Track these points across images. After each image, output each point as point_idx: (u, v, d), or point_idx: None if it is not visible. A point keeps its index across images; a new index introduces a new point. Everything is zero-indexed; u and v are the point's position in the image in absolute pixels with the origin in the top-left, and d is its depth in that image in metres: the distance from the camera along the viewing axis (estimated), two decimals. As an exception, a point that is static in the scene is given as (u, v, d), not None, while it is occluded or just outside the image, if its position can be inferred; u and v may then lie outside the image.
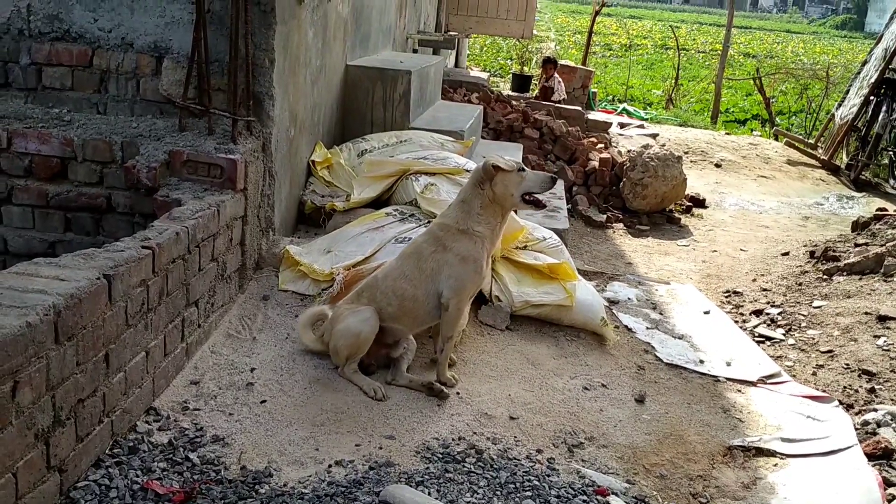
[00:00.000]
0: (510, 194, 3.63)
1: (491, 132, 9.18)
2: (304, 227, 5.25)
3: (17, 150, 4.26)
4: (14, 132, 4.24)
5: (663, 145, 10.01)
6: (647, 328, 4.97)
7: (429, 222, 4.41)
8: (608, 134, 10.74)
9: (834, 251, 6.57)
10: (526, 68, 15.05)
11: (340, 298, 3.96)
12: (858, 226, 7.44)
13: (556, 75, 11.89)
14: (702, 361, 4.62)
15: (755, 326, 5.47)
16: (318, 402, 3.50)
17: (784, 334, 5.29)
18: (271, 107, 4.42)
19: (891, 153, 11.15)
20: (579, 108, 11.10)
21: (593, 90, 13.99)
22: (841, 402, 4.29)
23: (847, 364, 4.70)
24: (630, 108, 15.48)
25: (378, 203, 5.12)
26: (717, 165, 11.12)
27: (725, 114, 17.36)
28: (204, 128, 4.27)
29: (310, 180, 5.38)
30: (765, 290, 6.18)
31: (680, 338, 4.94)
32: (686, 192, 9.06)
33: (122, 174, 4.14)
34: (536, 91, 12.33)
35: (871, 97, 11.64)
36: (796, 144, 12.52)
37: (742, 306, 5.89)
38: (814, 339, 5.12)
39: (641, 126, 12.55)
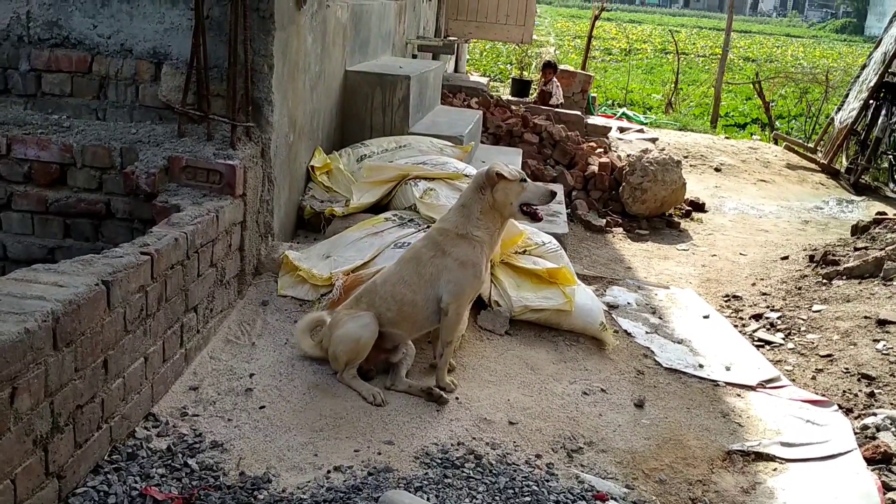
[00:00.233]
0: (509, 203, 3.66)
1: (490, 137, 9.18)
2: (303, 233, 5.26)
3: (16, 156, 4.26)
4: (13, 138, 4.25)
5: (663, 150, 10.01)
6: (647, 333, 4.97)
7: (428, 227, 4.41)
8: (608, 138, 10.75)
9: (833, 255, 6.57)
10: (525, 73, 15.06)
11: (339, 304, 3.96)
12: (858, 230, 7.44)
13: (554, 80, 11.89)
14: (701, 366, 4.62)
15: (755, 331, 5.47)
16: (317, 407, 3.50)
17: (783, 338, 5.29)
18: (270, 112, 4.43)
19: (890, 157, 11.15)
20: (579, 113, 11.10)
21: (593, 95, 13.99)
22: (840, 407, 4.29)
23: (846, 368, 4.69)
24: (630, 113, 15.49)
25: (377, 208, 5.13)
26: (717, 170, 11.12)
27: (725, 118, 17.36)
28: (203, 133, 4.28)
29: (309, 186, 5.39)
30: (764, 294, 6.18)
31: (679, 342, 4.94)
32: (686, 197, 9.06)
33: (122, 180, 4.15)
34: (535, 95, 12.33)
35: (871, 101, 11.64)
36: (796, 148, 12.52)
37: (741, 310, 5.89)
38: (813, 343, 5.12)
39: (641, 130, 12.55)
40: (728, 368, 4.64)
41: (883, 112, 11.40)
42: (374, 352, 3.70)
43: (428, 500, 2.97)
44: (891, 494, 3.49)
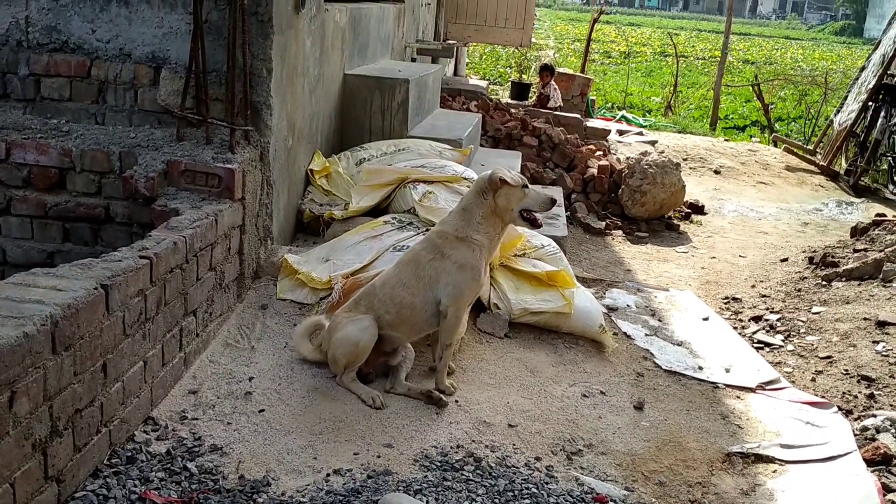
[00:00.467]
0: (511, 208, 3.67)
1: (490, 140, 9.19)
2: (302, 236, 5.26)
3: (15, 160, 4.27)
4: (13, 143, 4.26)
5: (662, 152, 10.01)
6: (646, 335, 4.97)
7: (427, 230, 4.42)
8: (607, 141, 10.75)
9: (833, 257, 6.57)
10: (525, 76, 15.07)
11: (339, 307, 3.96)
12: (857, 231, 7.44)
13: (552, 83, 11.89)
14: (701, 368, 4.62)
15: (754, 333, 5.46)
16: (317, 410, 3.50)
17: (783, 340, 5.29)
18: (269, 116, 4.44)
19: (889, 159, 11.14)
20: (578, 116, 11.09)
21: (592, 98, 13.99)
22: (840, 408, 4.28)
23: (846, 370, 4.69)
24: (629, 116, 15.48)
25: (376, 211, 5.13)
26: (716, 172, 11.12)
27: (724, 120, 17.36)
28: (202, 137, 4.28)
29: (308, 189, 5.39)
30: (764, 296, 6.18)
31: (679, 344, 4.94)
32: (685, 199, 9.06)
33: (121, 184, 4.15)
34: (534, 99, 12.33)
35: (870, 103, 11.64)
36: (795, 150, 12.52)
37: (741, 312, 5.89)
38: (813, 344, 5.11)
39: (640, 133, 12.55)
40: (727, 370, 4.64)
41: (882, 114, 11.40)
42: (373, 355, 3.70)
43: (427, 502, 2.97)
44: (891, 496, 3.49)
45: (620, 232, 8.21)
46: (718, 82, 16.67)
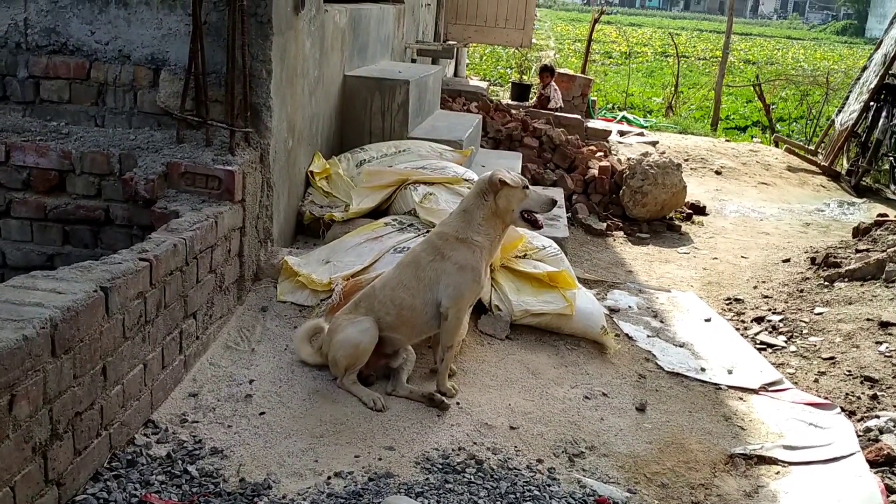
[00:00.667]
0: (511, 210, 3.67)
1: (490, 141, 9.18)
2: (302, 238, 5.25)
3: (15, 163, 4.26)
4: (12, 145, 4.25)
5: (663, 153, 10.00)
6: (648, 336, 4.96)
7: (427, 232, 4.41)
8: (608, 142, 10.74)
9: (835, 257, 6.56)
10: (525, 77, 15.04)
11: (339, 309, 3.95)
12: (859, 232, 7.43)
13: (553, 84, 11.88)
14: (703, 369, 4.61)
15: (756, 334, 5.45)
16: (318, 413, 3.49)
17: (786, 341, 5.27)
18: (269, 118, 4.43)
19: (891, 159, 11.12)
20: (579, 117, 11.09)
21: (593, 98, 13.97)
22: (843, 409, 4.27)
23: (849, 371, 4.68)
24: (630, 116, 15.47)
25: (377, 213, 5.12)
26: (718, 172, 11.11)
27: (725, 121, 17.34)
28: (202, 139, 4.28)
29: (308, 191, 5.38)
30: (766, 297, 6.17)
31: (681, 346, 4.93)
32: (686, 200, 9.04)
33: (120, 186, 4.14)
34: (534, 99, 12.32)
35: (871, 103, 11.62)
36: (797, 151, 12.51)
37: (743, 313, 5.88)
38: (815, 345, 5.10)
39: (641, 134, 12.54)
40: (730, 372, 4.62)
41: (883, 114, 11.37)
42: (373, 357, 3.69)
43: (429, 505, 2.96)
44: (894, 497, 3.47)
45: (622, 233, 8.19)
46: (719, 82, 16.66)
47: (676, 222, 8.67)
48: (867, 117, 11.67)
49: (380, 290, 3.73)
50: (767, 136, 15.18)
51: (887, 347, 4.83)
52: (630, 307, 5.45)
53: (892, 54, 11.60)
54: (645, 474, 3.46)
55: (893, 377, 4.50)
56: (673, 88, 18.54)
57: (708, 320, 5.48)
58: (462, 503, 3.01)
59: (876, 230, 7.18)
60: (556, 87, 11.93)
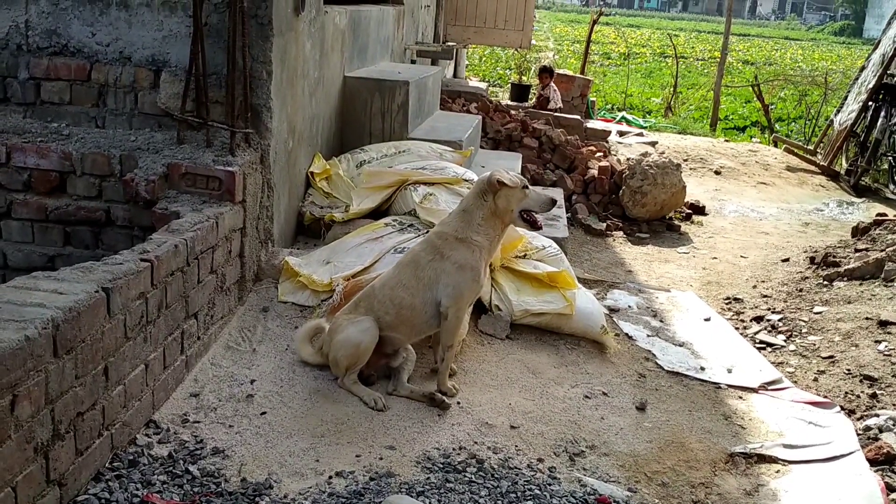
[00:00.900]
0: (511, 210, 3.67)
1: (490, 142, 9.19)
2: (303, 239, 5.26)
3: (16, 164, 4.27)
4: (13, 146, 4.26)
5: (662, 153, 10.02)
6: (648, 336, 4.96)
7: (427, 232, 4.41)
8: (607, 142, 10.75)
9: (834, 257, 6.56)
10: (524, 78, 15.05)
11: (339, 309, 3.96)
12: (858, 231, 7.43)
13: (552, 84, 11.89)
14: (703, 368, 4.62)
15: (756, 333, 5.46)
16: (319, 413, 3.49)
17: (785, 340, 5.28)
18: (269, 119, 4.44)
19: (890, 158, 11.13)
20: (578, 117, 11.10)
21: (592, 99, 13.99)
22: (842, 408, 4.28)
23: (848, 369, 4.69)
24: (629, 117, 15.48)
25: (377, 213, 5.13)
26: (717, 172, 11.12)
27: (724, 121, 17.36)
28: (202, 140, 4.28)
29: (308, 192, 5.39)
30: (765, 296, 6.18)
31: (681, 345, 4.93)
32: (686, 200, 9.05)
33: (121, 187, 4.15)
34: (534, 100, 12.33)
35: (870, 103, 11.63)
36: (796, 151, 12.52)
37: (743, 313, 5.89)
38: (815, 344, 5.11)
39: (640, 134, 12.54)
40: (730, 371, 4.63)
41: (882, 114, 11.39)
42: (374, 356, 3.70)
43: (430, 504, 2.97)
44: (894, 495, 3.48)
45: (621, 233, 8.20)
46: (718, 83, 16.67)
47: (676, 222, 8.68)
48: (866, 117, 11.68)
49: (379, 289, 3.74)
50: (766, 136, 15.19)
51: (886, 346, 4.84)
52: (630, 307, 5.46)
53: (889, 54, 11.61)
54: (645, 473, 3.46)
55: (892, 376, 4.51)
56: (672, 89, 18.56)
57: (707, 320, 5.48)
58: (463, 502, 3.02)
59: (875, 229, 7.19)
60: (556, 88, 11.94)
